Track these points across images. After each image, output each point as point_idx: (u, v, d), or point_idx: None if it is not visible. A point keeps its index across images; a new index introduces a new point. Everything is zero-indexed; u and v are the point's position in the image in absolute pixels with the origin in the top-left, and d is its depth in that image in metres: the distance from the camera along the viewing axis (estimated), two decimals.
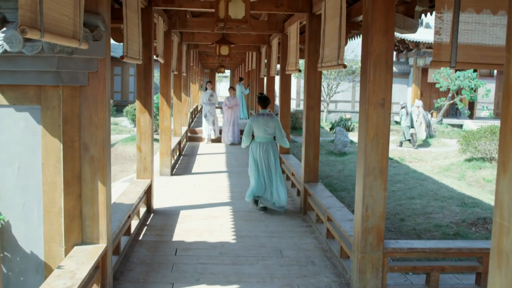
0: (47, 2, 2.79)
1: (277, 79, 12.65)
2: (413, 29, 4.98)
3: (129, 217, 5.68)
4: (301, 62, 8.83)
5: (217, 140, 15.43)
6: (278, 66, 11.36)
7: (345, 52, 8.04)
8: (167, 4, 6.95)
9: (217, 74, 46.92)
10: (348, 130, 18.88)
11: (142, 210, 6.88)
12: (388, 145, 4.38)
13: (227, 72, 52.80)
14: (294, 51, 8.41)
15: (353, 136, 19.18)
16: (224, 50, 11.22)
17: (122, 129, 21.51)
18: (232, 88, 15.92)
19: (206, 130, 15.35)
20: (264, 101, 7.47)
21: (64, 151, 3.98)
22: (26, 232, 4.01)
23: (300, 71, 8.22)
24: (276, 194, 7.27)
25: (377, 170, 4.35)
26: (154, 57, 8.52)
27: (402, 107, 19.27)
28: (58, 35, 2.97)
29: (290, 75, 9.99)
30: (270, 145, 7.43)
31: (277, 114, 9.99)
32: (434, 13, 5.45)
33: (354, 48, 26.21)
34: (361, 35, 7.81)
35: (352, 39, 8.55)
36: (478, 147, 13.24)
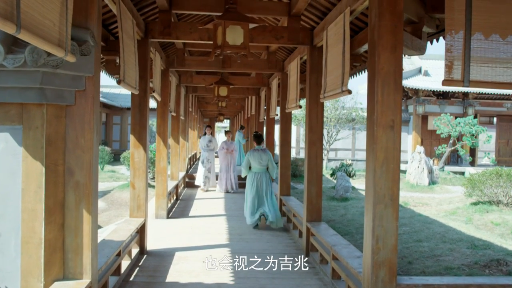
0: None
1: (277, 128, 12.48)
2: (421, 51, 4.75)
3: (119, 255, 5.26)
4: (302, 103, 8.65)
5: (213, 187, 14.49)
6: (278, 109, 11.19)
7: (345, 97, 7.69)
8: (164, 36, 6.75)
9: (216, 124, 46.91)
10: (349, 175, 18.50)
11: (135, 251, 6.46)
12: (399, 170, 4.05)
13: (226, 123, 52.99)
14: (294, 88, 8.20)
15: (354, 183, 18.84)
16: (223, 91, 11.06)
17: (120, 177, 21.18)
18: (229, 132, 15.19)
19: (201, 176, 14.33)
20: (259, 138, 9.30)
21: (46, 175, 3.64)
22: (1, 265, 3.61)
23: (300, 107, 7.97)
24: (271, 213, 8.67)
25: (388, 198, 4.00)
26: (152, 97, 8.31)
27: None
28: (39, 37, 2.71)
29: (290, 114, 9.76)
30: (264, 174, 9.03)
31: (277, 163, 9.83)
32: (441, 42, 5.24)
33: (353, 96, 26.16)
34: (365, 71, 7.67)
35: (353, 77, 8.37)
36: (484, 190, 12.86)
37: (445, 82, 3.92)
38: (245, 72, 13.88)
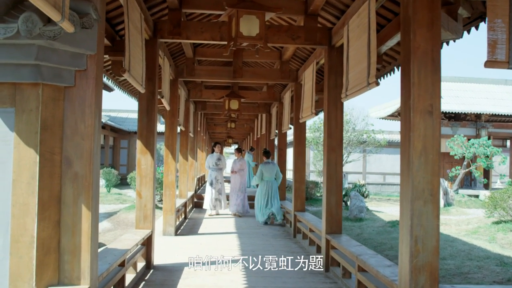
0: None
1: (290, 155, 12.13)
2: (458, 34, 4.31)
3: (122, 265, 4.78)
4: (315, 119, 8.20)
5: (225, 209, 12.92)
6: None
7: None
8: (173, 36, 6.37)
9: (223, 150, 46.29)
10: (362, 196, 17.88)
11: (140, 264, 5.97)
12: (439, 161, 3.57)
13: (234, 148, 52.52)
14: (309, 95, 7.78)
15: (367, 205, 18.22)
16: (234, 104, 10.68)
17: (126, 199, 20.67)
18: (238, 149, 13.66)
19: (210, 200, 12.61)
20: (268, 153, 11.64)
21: (41, 165, 3.21)
22: None
23: (316, 114, 7.54)
24: (276, 211, 11.01)
25: (427, 193, 3.53)
26: (162, 106, 7.92)
27: None
28: None
29: (304, 125, 9.31)
30: (273, 182, 11.17)
31: (287, 186, 9.49)
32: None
33: (365, 117, 25.68)
34: (387, 75, 7.17)
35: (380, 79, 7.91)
36: (506, 208, 12.25)
37: (488, 64, 3.47)
38: (255, 87, 13.54)
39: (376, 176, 28.86)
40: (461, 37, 4.42)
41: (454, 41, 4.50)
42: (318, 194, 21.04)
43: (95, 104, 3.36)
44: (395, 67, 6.51)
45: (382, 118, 31.79)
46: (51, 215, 3.26)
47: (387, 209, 19.22)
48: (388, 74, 7.05)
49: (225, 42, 6.48)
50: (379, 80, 7.11)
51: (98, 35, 3.35)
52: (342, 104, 6.37)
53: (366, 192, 18.28)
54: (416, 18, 3.54)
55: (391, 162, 28.97)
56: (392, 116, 31.36)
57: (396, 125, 39.58)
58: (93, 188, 3.35)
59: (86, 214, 3.31)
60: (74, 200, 3.31)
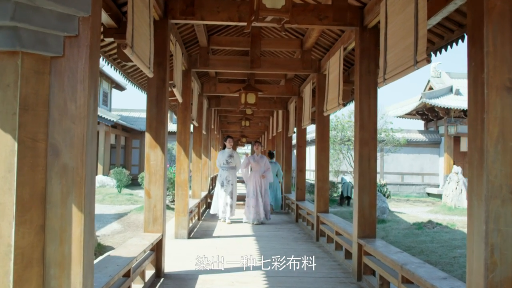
0: None
1: (310, 152, 11.46)
2: None
3: (127, 275, 4.10)
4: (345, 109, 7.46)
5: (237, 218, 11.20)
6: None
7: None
8: (186, 16, 5.70)
9: (237, 150, 45.69)
10: (384, 196, 17.11)
11: (149, 273, 5.30)
12: None
13: (247, 148, 51.88)
14: (335, 85, 7.05)
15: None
16: (251, 98, 9.94)
17: (138, 200, 20.07)
18: (258, 143, 11.59)
19: (221, 204, 10.79)
20: (272, 155, 14.28)
21: (20, 154, 2.53)
22: None
23: (344, 105, 6.82)
24: (275, 203, 13.59)
25: (506, 190, 2.80)
26: (174, 97, 7.25)
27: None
28: None
29: (328, 118, 8.58)
30: (274, 179, 12.95)
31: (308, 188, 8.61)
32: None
33: (383, 114, 24.80)
34: (449, 46, 6.38)
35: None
36: None
37: None
38: (272, 81, 12.86)
39: (394, 176, 27.97)
40: None
41: None
42: (335, 195, 20.36)
43: (89, 79, 2.67)
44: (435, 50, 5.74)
45: (400, 117, 30.97)
46: (33, 218, 2.58)
47: (408, 210, 18.45)
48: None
49: (244, 23, 5.85)
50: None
51: None
52: (376, 91, 5.66)
53: (388, 192, 17.48)
54: None
55: (409, 162, 28.13)
56: (410, 114, 30.54)
57: (413, 123, 38.66)
58: (87, 184, 2.67)
59: (77, 217, 2.63)
60: (62, 199, 2.63)
